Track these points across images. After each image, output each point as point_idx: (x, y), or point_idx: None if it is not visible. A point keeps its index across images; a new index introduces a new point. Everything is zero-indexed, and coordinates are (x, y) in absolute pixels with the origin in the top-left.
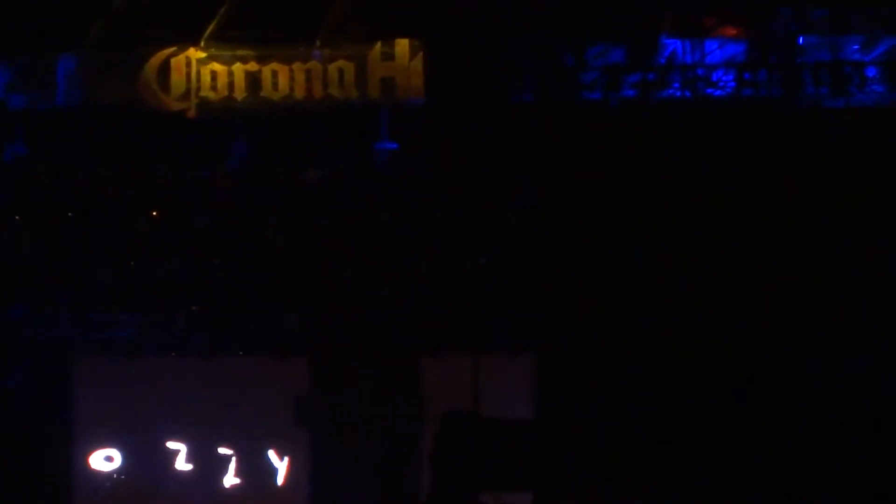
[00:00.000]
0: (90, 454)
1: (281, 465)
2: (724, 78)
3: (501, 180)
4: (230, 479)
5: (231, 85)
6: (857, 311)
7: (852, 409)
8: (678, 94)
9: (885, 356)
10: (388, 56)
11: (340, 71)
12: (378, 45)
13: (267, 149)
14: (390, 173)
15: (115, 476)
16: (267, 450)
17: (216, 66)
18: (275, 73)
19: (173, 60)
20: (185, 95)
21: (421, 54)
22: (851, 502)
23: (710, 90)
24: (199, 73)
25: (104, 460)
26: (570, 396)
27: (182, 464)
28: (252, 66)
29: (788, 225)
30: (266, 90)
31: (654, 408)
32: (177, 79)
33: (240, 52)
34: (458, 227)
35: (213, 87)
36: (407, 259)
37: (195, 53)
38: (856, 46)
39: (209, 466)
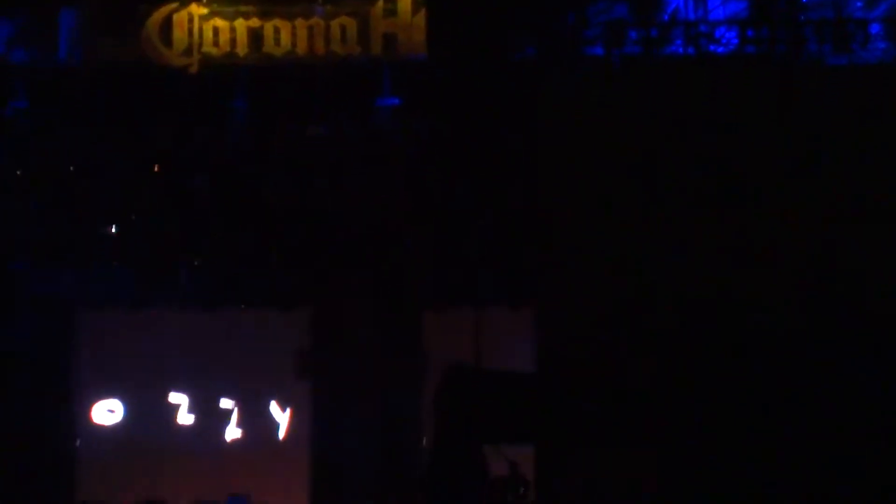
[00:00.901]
0: (92, 407)
1: (283, 418)
2: (727, 34)
3: (503, 135)
4: (232, 431)
5: (233, 41)
6: (858, 279)
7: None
8: (681, 50)
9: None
10: (391, 12)
11: (343, 27)
12: (380, 2)
13: (269, 105)
14: (392, 129)
15: (117, 428)
16: (269, 402)
17: (218, 22)
18: (277, 30)
19: (175, 16)
20: (188, 51)
21: (423, 10)
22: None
23: (713, 47)
24: (201, 28)
25: (107, 413)
26: (570, 350)
27: (184, 416)
28: (254, 21)
29: (792, 183)
30: (268, 46)
31: (655, 366)
32: (179, 35)
33: (242, 8)
34: (459, 183)
35: (216, 43)
36: (408, 214)
37: (197, 9)
38: (859, 3)
39: (211, 419)
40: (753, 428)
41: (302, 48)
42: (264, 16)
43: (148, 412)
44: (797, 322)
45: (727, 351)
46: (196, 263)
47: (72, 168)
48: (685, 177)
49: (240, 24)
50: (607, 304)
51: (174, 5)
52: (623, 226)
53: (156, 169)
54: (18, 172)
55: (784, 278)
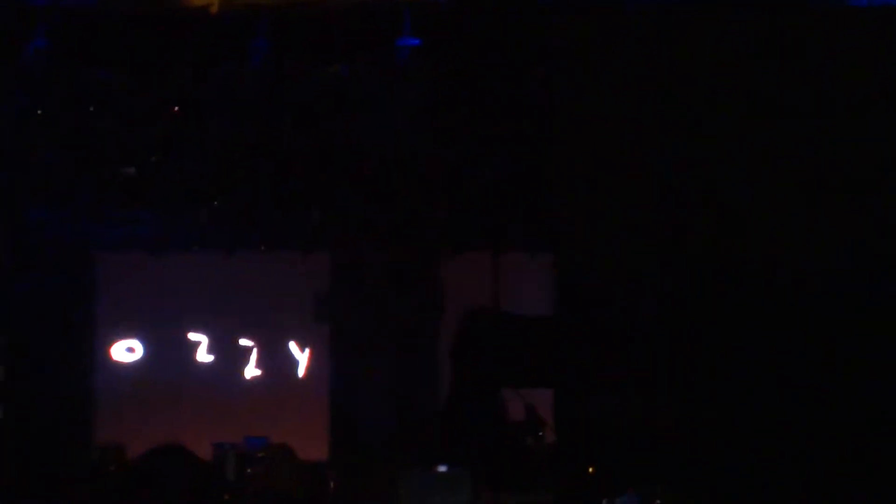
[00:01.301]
0: (111, 345)
1: (302, 357)
2: None
3: (522, 76)
4: (251, 370)
5: None
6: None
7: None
8: None
9: None
10: None
11: None
12: None
13: (289, 45)
14: (412, 69)
15: (136, 367)
16: (288, 342)
17: None
18: None
19: None
20: None
21: None
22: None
23: None
24: None
25: (126, 352)
26: (590, 294)
27: (203, 355)
28: None
29: (812, 129)
30: None
31: (675, 309)
32: None
33: None
34: (478, 124)
35: None
36: (427, 156)
37: None
38: None
39: (230, 357)
40: (779, 371)
41: None
42: None
43: (167, 351)
44: (828, 259)
45: (754, 292)
46: (215, 205)
47: (91, 109)
48: (706, 113)
49: None
50: (627, 247)
51: None
52: (643, 168)
53: (175, 110)
54: (39, 112)
55: (810, 214)
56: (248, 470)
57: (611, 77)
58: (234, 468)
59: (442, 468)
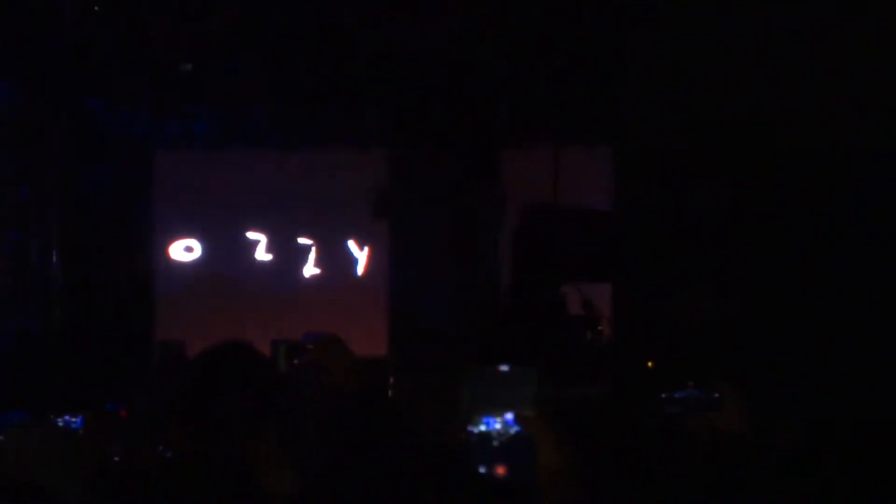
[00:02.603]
0: (170, 244)
1: (361, 255)
2: None
3: None
4: (310, 269)
5: None
6: None
7: None
8: None
9: None
10: None
11: None
12: None
13: None
14: None
15: (195, 266)
16: (347, 240)
17: None
18: None
19: None
20: None
21: None
22: None
23: None
24: None
25: (184, 251)
26: (651, 188)
27: (262, 254)
28: None
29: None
30: None
31: (736, 201)
32: None
33: None
34: (538, 15)
35: None
36: (486, 48)
37: None
38: None
39: (289, 256)
40: (850, 271)
41: None
42: None
43: (226, 250)
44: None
45: (826, 189)
46: (273, 102)
47: (149, 4)
48: (768, 12)
49: None
50: (687, 139)
51: None
52: (711, 60)
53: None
54: (96, 8)
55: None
56: (296, 361)
57: None
58: (285, 360)
59: (504, 368)
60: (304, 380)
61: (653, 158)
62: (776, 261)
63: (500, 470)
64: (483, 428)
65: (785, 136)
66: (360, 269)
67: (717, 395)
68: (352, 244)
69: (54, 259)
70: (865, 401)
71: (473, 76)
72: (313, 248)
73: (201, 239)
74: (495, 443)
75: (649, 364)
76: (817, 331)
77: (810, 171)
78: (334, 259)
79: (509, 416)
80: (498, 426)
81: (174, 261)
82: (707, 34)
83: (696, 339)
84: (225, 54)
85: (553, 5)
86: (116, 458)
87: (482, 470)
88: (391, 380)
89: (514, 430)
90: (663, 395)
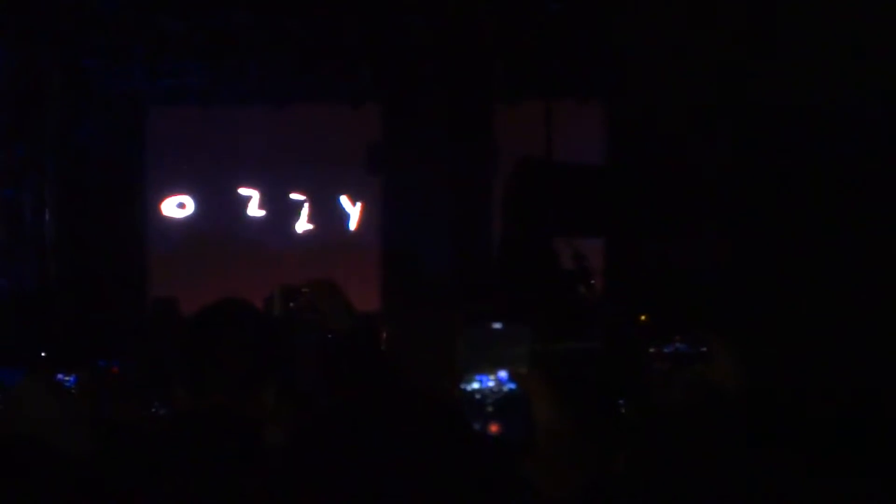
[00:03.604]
0: (162, 201)
1: (353, 210)
2: None
3: None
4: (302, 224)
5: None
6: None
7: None
8: None
9: None
10: None
11: None
12: None
13: None
14: None
15: (187, 222)
16: (339, 195)
17: None
18: None
19: None
20: None
21: None
22: None
23: None
24: None
25: (176, 207)
26: (641, 141)
27: (254, 209)
28: None
29: None
30: None
31: (728, 154)
32: None
33: None
34: None
35: None
36: (479, 7)
37: None
38: None
39: (281, 212)
40: (835, 216)
41: None
42: None
43: (218, 206)
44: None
45: (819, 143)
46: (265, 57)
47: None
48: None
49: None
50: (678, 94)
51: None
52: (697, 16)
53: None
54: None
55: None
56: (291, 304)
57: None
58: (280, 304)
59: (497, 325)
60: (299, 322)
61: (645, 113)
62: (769, 215)
63: (494, 427)
64: (477, 385)
65: (780, 89)
66: (352, 225)
67: (704, 348)
68: (344, 199)
69: (48, 216)
70: (858, 370)
71: (465, 32)
72: (306, 204)
73: (194, 195)
74: (489, 400)
75: (642, 318)
76: (811, 290)
77: (805, 126)
78: (327, 214)
79: (503, 373)
80: (491, 384)
81: (167, 217)
82: None
83: (688, 292)
84: (217, 10)
85: None
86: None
87: (476, 427)
88: (384, 335)
89: (507, 387)
90: (651, 350)
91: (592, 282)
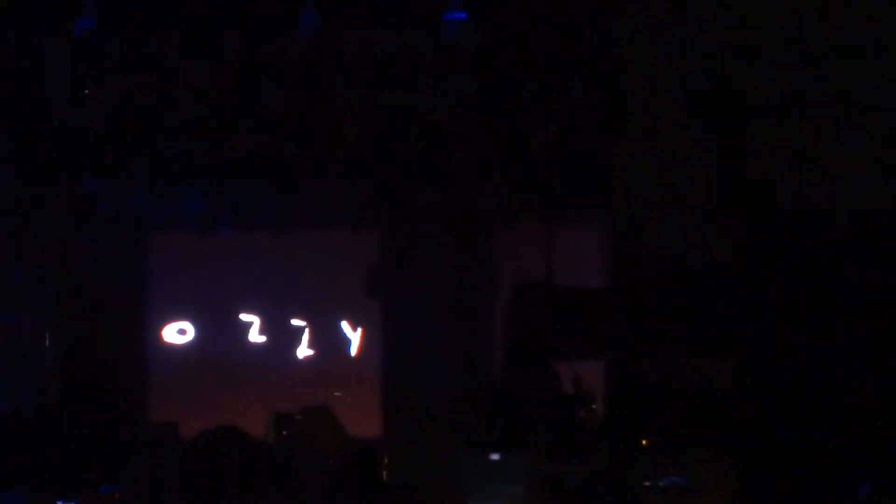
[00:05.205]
0: (163, 327)
1: (354, 336)
2: None
3: (571, 46)
4: (303, 350)
5: None
6: None
7: None
8: None
9: None
10: None
11: None
12: None
13: (337, 17)
14: (459, 43)
15: (188, 349)
16: (340, 321)
17: None
18: None
19: None
20: None
21: None
22: None
23: None
24: None
25: (177, 333)
26: (643, 262)
27: (255, 336)
28: None
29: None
30: None
31: (731, 275)
32: None
33: None
34: (528, 95)
35: None
36: (476, 128)
37: None
38: None
39: (282, 338)
40: (846, 342)
41: None
42: None
43: (219, 332)
44: None
45: (820, 258)
46: (264, 181)
47: (141, 83)
48: (765, 88)
49: None
50: (684, 210)
51: None
52: (704, 134)
53: (224, 83)
54: (86, 92)
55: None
56: (284, 432)
57: (675, 37)
58: (273, 431)
59: (495, 456)
60: (291, 449)
61: (644, 229)
62: (766, 331)
63: None
64: None
65: (780, 198)
66: (353, 350)
67: (697, 480)
68: (345, 325)
69: (48, 341)
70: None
71: (464, 154)
72: (306, 330)
73: (194, 321)
74: None
75: (643, 442)
76: (812, 405)
77: (800, 236)
78: (328, 340)
79: None
80: None
81: (167, 343)
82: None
83: (691, 412)
84: (217, 133)
85: (544, 87)
86: None
87: None
88: (385, 460)
89: None
90: (647, 484)
91: (593, 405)
